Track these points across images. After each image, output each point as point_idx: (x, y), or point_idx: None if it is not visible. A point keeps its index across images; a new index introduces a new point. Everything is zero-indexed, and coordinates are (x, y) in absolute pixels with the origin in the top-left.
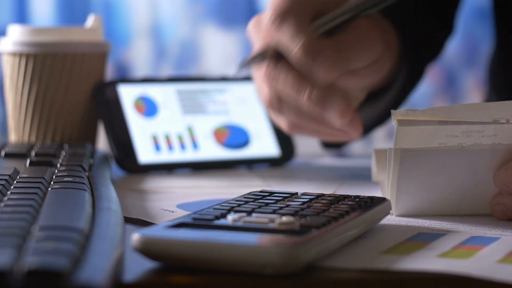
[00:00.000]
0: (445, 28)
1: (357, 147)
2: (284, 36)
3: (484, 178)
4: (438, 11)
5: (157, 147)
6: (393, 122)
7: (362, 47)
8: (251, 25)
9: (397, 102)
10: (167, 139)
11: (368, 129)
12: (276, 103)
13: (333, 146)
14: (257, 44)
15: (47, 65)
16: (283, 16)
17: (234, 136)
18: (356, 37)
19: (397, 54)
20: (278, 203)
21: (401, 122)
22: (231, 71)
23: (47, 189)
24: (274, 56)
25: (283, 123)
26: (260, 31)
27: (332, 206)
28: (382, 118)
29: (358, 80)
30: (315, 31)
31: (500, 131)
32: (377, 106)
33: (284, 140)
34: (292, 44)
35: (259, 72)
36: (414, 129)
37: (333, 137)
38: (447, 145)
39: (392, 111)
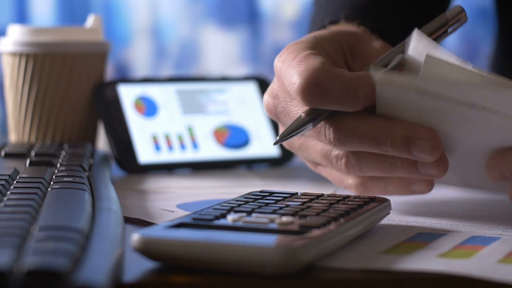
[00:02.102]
0: None
1: None
2: (338, 95)
3: None
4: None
5: (157, 147)
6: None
7: None
8: (270, 100)
9: None
10: (167, 139)
11: None
12: (355, 162)
13: None
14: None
15: (47, 65)
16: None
17: (234, 136)
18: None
19: None
20: (278, 203)
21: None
22: (231, 71)
23: (47, 189)
24: (328, 117)
25: (351, 183)
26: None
27: (332, 206)
28: None
29: None
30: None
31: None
32: None
33: None
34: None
35: (312, 139)
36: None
37: (408, 190)
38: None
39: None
